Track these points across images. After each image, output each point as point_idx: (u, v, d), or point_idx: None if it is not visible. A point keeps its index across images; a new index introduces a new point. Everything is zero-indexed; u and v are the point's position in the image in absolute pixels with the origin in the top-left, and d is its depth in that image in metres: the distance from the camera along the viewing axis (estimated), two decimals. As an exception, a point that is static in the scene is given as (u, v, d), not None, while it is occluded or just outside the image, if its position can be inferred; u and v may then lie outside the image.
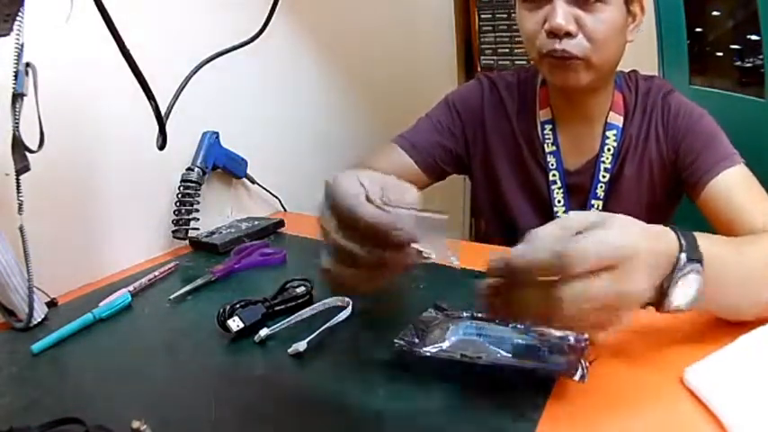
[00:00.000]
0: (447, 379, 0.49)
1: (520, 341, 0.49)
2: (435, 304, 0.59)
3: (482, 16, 1.75)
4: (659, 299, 0.45)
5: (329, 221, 0.45)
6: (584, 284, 0.39)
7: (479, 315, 0.55)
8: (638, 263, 0.41)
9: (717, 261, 0.47)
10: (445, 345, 0.50)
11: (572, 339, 0.49)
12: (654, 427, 0.42)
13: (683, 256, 0.45)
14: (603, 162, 0.80)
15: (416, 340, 0.51)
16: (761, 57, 1.22)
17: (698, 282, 0.46)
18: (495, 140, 0.86)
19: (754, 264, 0.52)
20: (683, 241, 0.46)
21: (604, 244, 0.40)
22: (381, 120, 1.43)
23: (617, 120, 0.79)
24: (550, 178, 0.82)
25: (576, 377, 0.45)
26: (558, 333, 0.49)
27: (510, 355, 0.48)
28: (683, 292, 0.45)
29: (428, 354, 0.49)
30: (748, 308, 0.52)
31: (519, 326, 0.51)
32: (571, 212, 0.46)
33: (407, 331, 0.53)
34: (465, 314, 0.56)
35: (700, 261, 0.45)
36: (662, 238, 0.45)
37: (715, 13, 1.42)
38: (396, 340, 0.51)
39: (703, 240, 0.47)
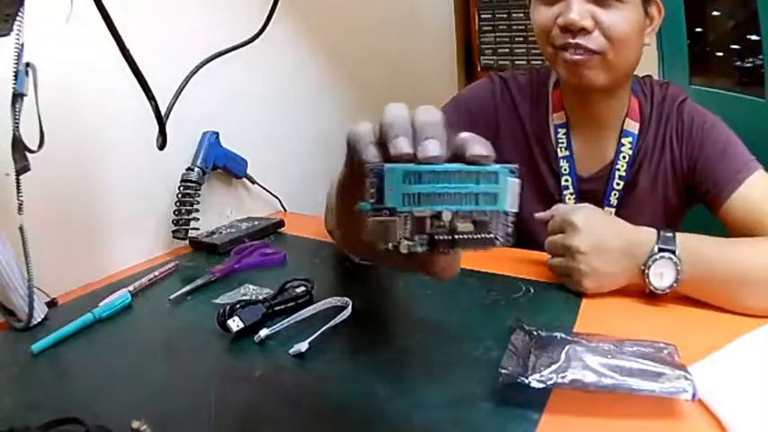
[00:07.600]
0: (447, 379, 0.49)
1: (633, 366, 0.45)
2: (519, 324, 0.53)
3: (482, 16, 1.75)
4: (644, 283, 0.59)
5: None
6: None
7: (576, 338, 0.50)
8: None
9: (695, 250, 0.59)
10: (571, 374, 0.44)
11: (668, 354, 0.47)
12: (654, 428, 0.42)
13: (656, 247, 0.59)
14: (618, 170, 0.78)
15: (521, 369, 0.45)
16: (761, 57, 1.23)
17: (672, 266, 0.58)
18: (507, 142, 0.84)
19: (741, 258, 0.59)
20: (660, 234, 0.60)
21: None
22: (381, 120, 1.43)
23: (633, 127, 0.78)
24: (563, 183, 0.80)
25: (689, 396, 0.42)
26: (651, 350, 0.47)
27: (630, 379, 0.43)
28: (659, 275, 0.59)
29: (548, 383, 0.44)
30: (743, 299, 0.57)
31: (614, 347, 0.48)
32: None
33: (507, 359, 0.47)
34: (558, 335, 0.51)
35: (673, 251, 0.58)
36: (641, 233, 0.61)
37: (715, 13, 1.42)
38: (501, 369, 0.45)
39: (683, 236, 0.59)
